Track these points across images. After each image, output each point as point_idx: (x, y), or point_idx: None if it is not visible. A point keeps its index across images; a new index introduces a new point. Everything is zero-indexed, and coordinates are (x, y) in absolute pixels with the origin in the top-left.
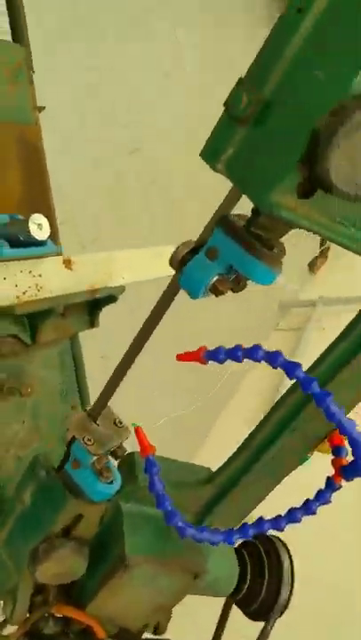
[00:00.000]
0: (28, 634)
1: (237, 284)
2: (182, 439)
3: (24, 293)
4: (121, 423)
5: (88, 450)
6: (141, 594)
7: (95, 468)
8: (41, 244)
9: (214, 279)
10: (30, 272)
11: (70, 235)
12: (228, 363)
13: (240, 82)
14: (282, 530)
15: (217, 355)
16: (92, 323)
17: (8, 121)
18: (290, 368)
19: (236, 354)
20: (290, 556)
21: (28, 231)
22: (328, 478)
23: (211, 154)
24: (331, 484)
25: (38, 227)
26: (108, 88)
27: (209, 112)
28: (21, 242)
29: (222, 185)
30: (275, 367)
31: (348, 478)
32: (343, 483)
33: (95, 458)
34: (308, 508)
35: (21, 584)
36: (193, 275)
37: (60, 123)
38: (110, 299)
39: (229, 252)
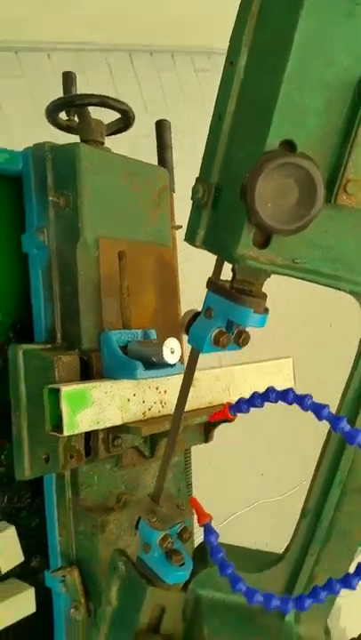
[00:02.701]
0: None
1: (239, 338)
2: (277, 525)
3: (149, 409)
4: (183, 506)
5: (152, 526)
6: None
7: (164, 549)
8: (171, 366)
9: (215, 333)
10: (157, 389)
11: None
12: None
13: (197, 179)
14: (354, 588)
15: (239, 406)
16: (207, 439)
17: (150, 242)
18: (318, 409)
19: (254, 401)
20: None
21: (162, 355)
22: None
23: (190, 237)
24: None
25: (171, 351)
26: None
27: None
28: (154, 363)
29: None
30: (305, 409)
31: None
32: None
33: (161, 536)
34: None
35: None
36: (197, 333)
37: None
38: (226, 420)
39: (221, 308)
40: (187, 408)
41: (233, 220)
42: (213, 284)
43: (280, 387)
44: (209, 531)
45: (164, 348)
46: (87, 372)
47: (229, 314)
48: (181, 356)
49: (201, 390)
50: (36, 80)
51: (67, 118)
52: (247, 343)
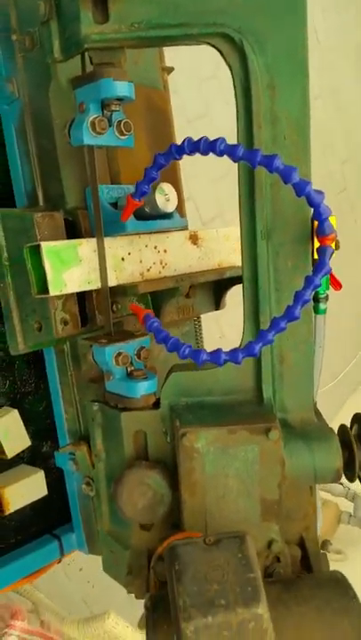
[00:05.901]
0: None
1: (119, 126)
2: None
3: (148, 270)
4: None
5: (101, 344)
6: (225, 479)
7: (122, 366)
8: (167, 216)
9: (89, 121)
10: (155, 247)
11: (190, 210)
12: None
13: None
14: (297, 317)
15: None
16: (218, 304)
17: (135, 83)
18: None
19: (184, 149)
20: None
21: (155, 202)
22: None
23: (49, 55)
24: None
25: (165, 198)
26: None
27: None
28: (147, 214)
29: None
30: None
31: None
32: None
33: (114, 352)
34: (299, 298)
35: (133, 556)
36: (75, 132)
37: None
38: (239, 279)
39: (89, 94)
40: (193, 269)
41: (72, 10)
42: (75, 79)
43: None
44: (148, 318)
45: (156, 194)
46: (75, 233)
47: (97, 93)
48: (183, 210)
49: (209, 250)
50: None
51: None
52: (130, 130)
